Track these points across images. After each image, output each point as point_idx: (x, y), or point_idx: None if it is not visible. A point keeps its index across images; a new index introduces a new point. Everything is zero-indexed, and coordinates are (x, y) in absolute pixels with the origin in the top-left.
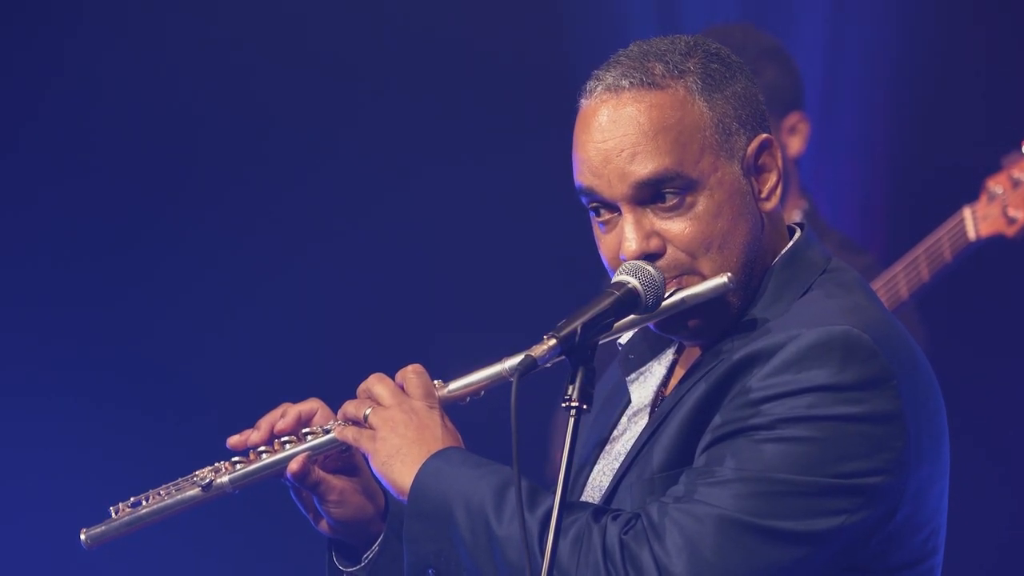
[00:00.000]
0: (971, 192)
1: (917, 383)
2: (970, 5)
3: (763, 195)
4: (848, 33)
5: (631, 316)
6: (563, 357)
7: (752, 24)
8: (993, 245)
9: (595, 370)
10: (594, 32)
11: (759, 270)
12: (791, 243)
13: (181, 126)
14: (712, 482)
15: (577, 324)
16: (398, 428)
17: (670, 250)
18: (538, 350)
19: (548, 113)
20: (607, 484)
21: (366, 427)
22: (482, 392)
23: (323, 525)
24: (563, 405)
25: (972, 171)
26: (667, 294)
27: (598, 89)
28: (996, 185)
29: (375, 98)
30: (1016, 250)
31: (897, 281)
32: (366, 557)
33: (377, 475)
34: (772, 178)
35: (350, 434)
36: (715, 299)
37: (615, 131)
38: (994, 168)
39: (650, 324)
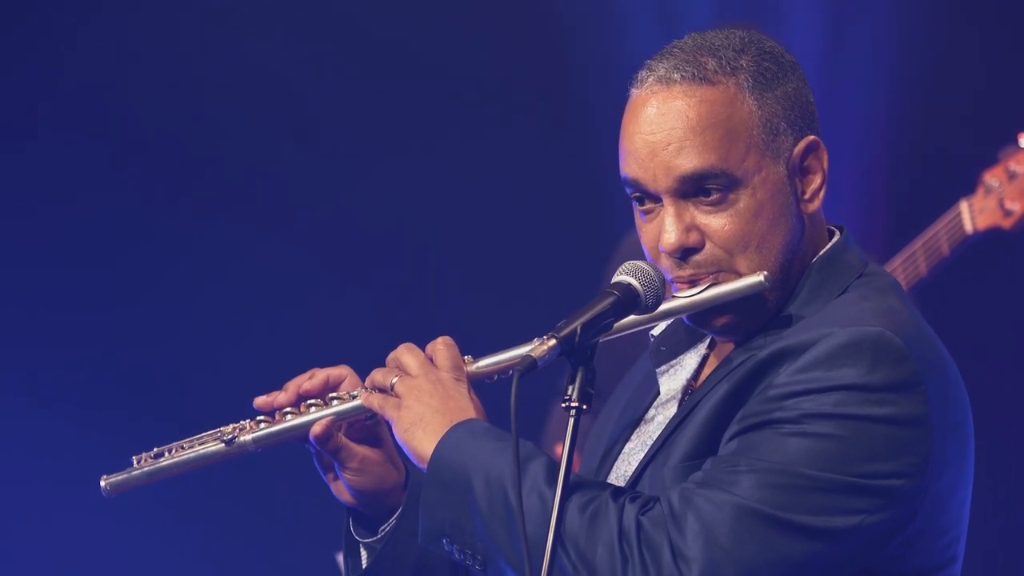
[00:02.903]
0: (968, 185)
1: (946, 390)
2: (967, 1)
3: (806, 196)
4: (846, 29)
5: (660, 309)
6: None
7: (753, 23)
8: (990, 237)
9: (595, 370)
10: (594, 32)
11: (796, 270)
12: (829, 245)
13: (183, 123)
14: (734, 471)
15: (577, 324)
16: (423, 397)
17: (708, 245)
18: (538, 350)
19: (548, 109)
20: (632, 471)
21: (392, 395)
22: (510, 372)
23: (343, 493)
24: (562, 405)
25: (968, 164)
26: (702, 288)
27: (649, 80)
28: (992, 178)
29: (386, 90)
30: (1013, 242)
31: (895, 275)
32: (383, 529)
33: (399, 442)
34: (816, 180)
35: (375, 401)
36: (750, 297)
37: (663, 124)
38: (990, 161)
39: (684, 318)
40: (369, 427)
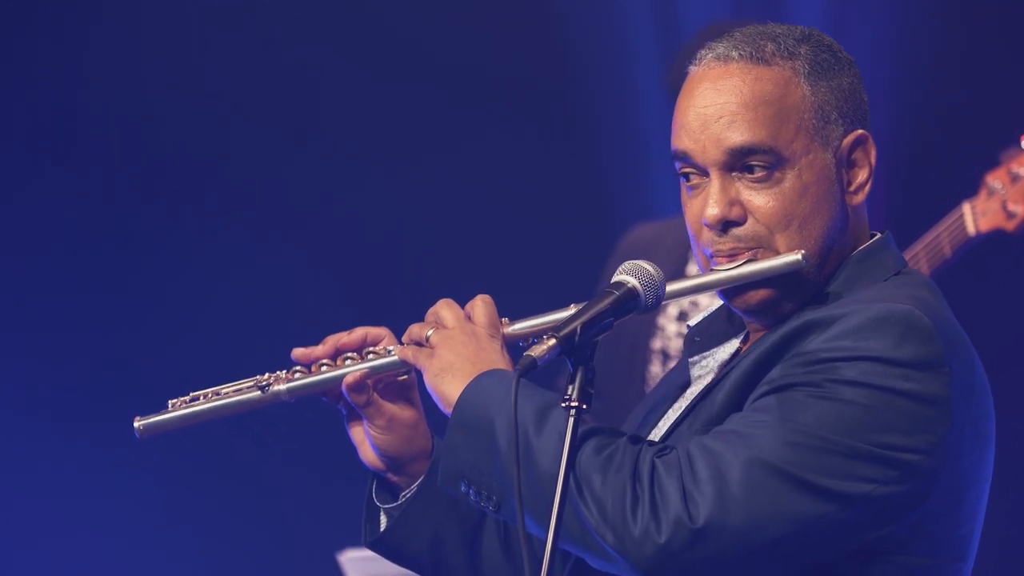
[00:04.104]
0: (970, 187)
1: (971, 384)
2: (968, 1)
3: (851, 188)
4: (846, 30)
5: (698, 280)
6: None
7: (753, 22)
8: (993, 240)
9: (594, 369)
10: (593, 31)
11: (835, 259)
12: (870, 241)
13: (183, 123)
14: (754, 426)
15: (577, 324)
16: (456, 347)
17: (750, 221)
18: (538, 350)
19: (549, 108)
20: (659, 438)
21: (427, 347)
22: (545, 335)
23: (369, 456)
24: (562, 405)
25: (970, 166)
26: (740, 263)
27: (708, 57)
28: (995, 180)
29: (388, 90)
30: (1016, 244)
31: None
32: (404, 495)
33: (428, 388)
34: (863, 174)
35: (409, 352)
36: (786, 275)
37: (717, 98)
38: (993, 163)
39: (720, 295)
40: (402, 387)
